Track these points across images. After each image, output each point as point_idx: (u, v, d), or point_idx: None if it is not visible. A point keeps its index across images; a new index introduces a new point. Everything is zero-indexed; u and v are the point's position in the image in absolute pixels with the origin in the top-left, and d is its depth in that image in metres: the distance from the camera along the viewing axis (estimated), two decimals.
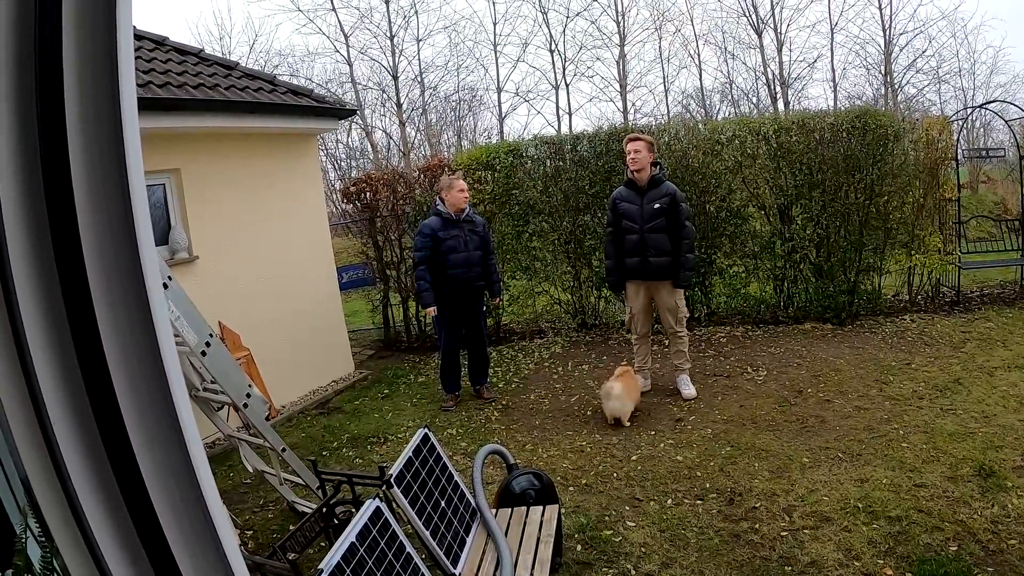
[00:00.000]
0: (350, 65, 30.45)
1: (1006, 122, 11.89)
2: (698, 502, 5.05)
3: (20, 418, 0.98)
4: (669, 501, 5.10)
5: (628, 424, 6.56)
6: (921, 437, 5.70)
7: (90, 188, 0.93)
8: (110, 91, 0.92)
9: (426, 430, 4.04)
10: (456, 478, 4.06)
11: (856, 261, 9.42)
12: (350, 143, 31.77)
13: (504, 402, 7.61)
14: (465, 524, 3.88)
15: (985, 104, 14.62)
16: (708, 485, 5.28)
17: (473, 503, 4.08)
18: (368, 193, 10.29)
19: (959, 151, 10.84)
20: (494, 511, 4.19)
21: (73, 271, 0.93)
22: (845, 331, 8.99)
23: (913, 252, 9.69)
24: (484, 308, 7.78)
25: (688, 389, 7.21)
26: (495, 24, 34.23)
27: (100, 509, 0.99)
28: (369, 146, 31.03)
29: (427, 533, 3.46)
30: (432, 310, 7.47)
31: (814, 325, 9.27)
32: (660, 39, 31.97)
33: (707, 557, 4.34)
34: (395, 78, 30.14)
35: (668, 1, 38.28)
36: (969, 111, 14.68)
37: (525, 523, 4.07)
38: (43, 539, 1.81)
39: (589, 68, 35.43)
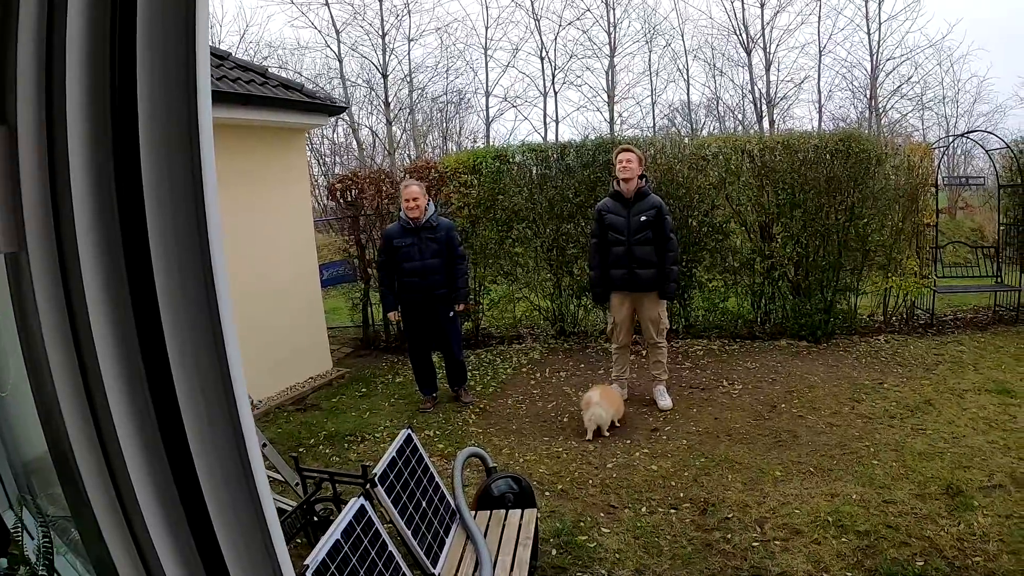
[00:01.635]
0: (340, 61, 30.42)
1: (987, 151, 12.07)
2: (672, 511, 5.11)
3: (76, 415, 1.00)
4: (644, 509, 5.15)
5: (607, 434, 6.61)
6: (891, 455, 5.80)
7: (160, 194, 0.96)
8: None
9: (409, 431, 4.07)
10: (437, 480, 4.10)
11: (833, 281, 9.55)
12: (335, 139, 31.72)
13: (482, 406, 7.64)
14: (445, 525, 3.92)
15: (967, 133, 14.86)
16: (682, 495, 5.35)
17: (453, 505, 4.12)
18: (353, 191, 10.30)
19: (939, 177, 11.01)
20: (473, 513, 4.23)
21: (137, 247, 0.96)
22: (820, 349, 9.11)
23: (890, 274, 9.85)
24: (452, 314, 7.51)
25: (664, 400, 7.28)
26: (487, 28, 34.34)
27: (156, 510, 1.01)
28: (355, 143, 30.98)
29: (408, 533, 3.49)
30: (392, 315, 7.55)
31: (790, 342, 9.40)
32: (650, 52, 32.14)
33: (680, 565, 4.40)
34: (384, 76, 30.13)
35: (660, 15, 38.51)
36: (951, 139, 14.91)
37: (504, 526, 4.10)
38: (44, 532, 1.84)
39: (578, 77, 35.42)
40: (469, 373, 8.60)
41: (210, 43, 8.06)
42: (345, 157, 31.19)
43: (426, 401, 7.71)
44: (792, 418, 6.82)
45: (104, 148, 0.94)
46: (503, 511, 4.29)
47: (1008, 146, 10.98)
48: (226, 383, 1.00)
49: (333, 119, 16.94)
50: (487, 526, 4.13)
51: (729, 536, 4.71)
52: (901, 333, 9.71)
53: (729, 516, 4.97)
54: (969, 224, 17.07)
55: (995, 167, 11.58)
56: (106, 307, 0.96)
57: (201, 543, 1.03)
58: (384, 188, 10.12)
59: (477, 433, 6.91)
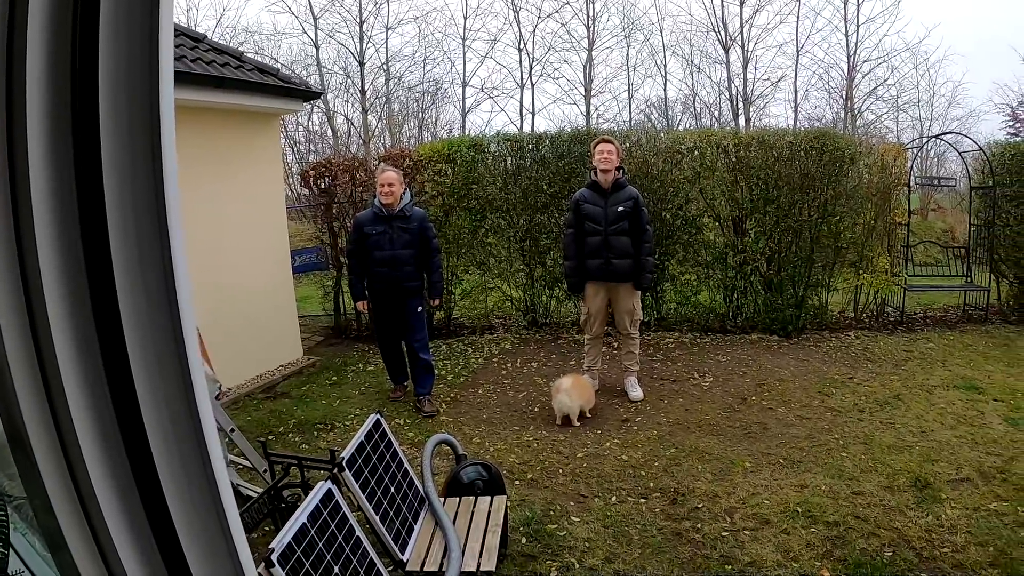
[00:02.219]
0: (316, 48, 30.20)
1: (960, 154, 12.21)
2: (642, 500, 5.09)
3: (35, 412, 0.96)
4: (614, 498, 5.13)
5: (577, 424, 6.58)
6: (860, 448, 5.83)
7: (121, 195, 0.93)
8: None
9: (378, 416, 4.02)
10: (406, 465, 4.05)
11: (805, 276, 9.59)
12: (310, 127, 31.46)
13: (452, 395, 7.59)
14: (414, 511, 3.87)
15: (941, 135, 15.01)
16: (652, 484, 5.33)
17: (422, 491, 4.08)
18: (327, 178, 10.19)
19: (912, 178, 11.11)
20: (442, 500, 4.19)
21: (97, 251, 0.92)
22: (791, 343, 9.17)
23: (861, 271, 9.93)
24: (419, 309, 7.17)
25: (635, 391, 7.28)
26: (465, 19, 34.25)
27: (116, 508, 0.98)
28: (330, 131, 30.77)
29: (376, 518, 3.44)
30: (361, 304, 7.38)
31: (761, 336, 9.44)
32: (628, 47, 32.21)
33: (650, 554, 4.38)
34: (361, 64, 30.00)
35: (639, 10, 38.60)
36: (925, 140, 15.06)
37: (473, 512, 4.07)
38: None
39: (556, 70, 35.48)
40: (441, 363, 8.53)
41: (186, 26, 7.94)
42: (320, 145, 30.96)
43: (396, 390, 7.56)
44: (762, 410, 6.84)
45: (63, 132, 0.90)
46: (472, 498, 4.25)
47: (981, 149, 11.12)
48: (185, 377, 0.97)
49: (308, 105, 16.74)
50: (456, 513, 4.09)
51: (699, 526, 4.69)
52: (871, 329, 9.80)
53: (699, 506, 4.96)
54: (940, 225, 17.26)
55: (967, 169, 11.74)
56: (64, 300, 0.93)
57: (160, 537, 1.00)
58: (358, 176, 10.01)
59: (448, 422, 6.85)
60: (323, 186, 10.26)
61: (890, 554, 4.24)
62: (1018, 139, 19.60)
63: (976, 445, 5.81)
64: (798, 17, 29.46)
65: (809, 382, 7.59)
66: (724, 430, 6.38)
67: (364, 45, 30.13)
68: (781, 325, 9.51)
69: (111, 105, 0.89)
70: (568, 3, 31.09)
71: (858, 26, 28.61)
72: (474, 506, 4.14)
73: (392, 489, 3.75)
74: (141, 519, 0.99)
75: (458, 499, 4.26)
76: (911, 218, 10.86)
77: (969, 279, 10.82)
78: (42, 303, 0.91)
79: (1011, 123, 26.80)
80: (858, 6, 28.43)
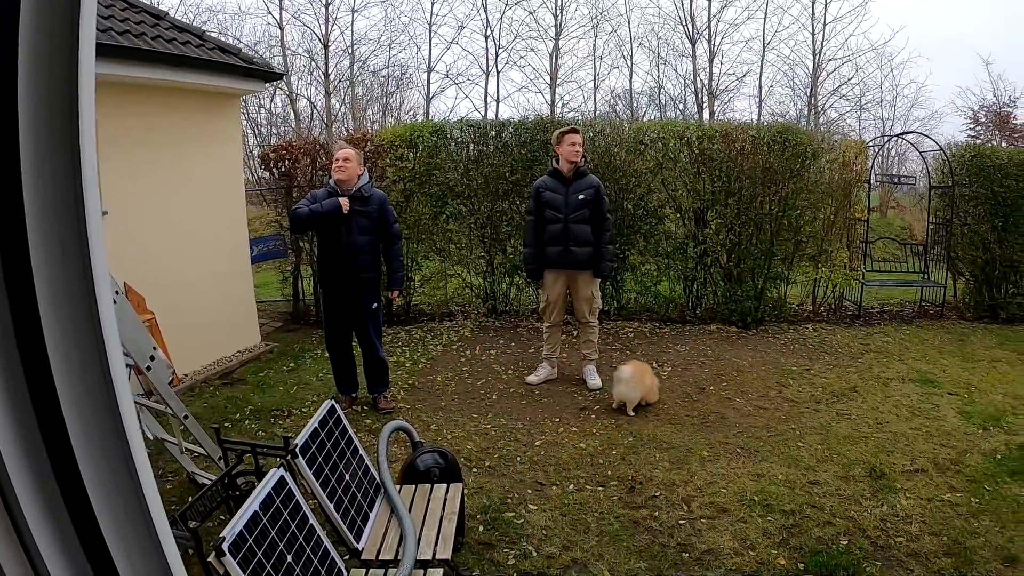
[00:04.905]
0: (281, 29, 29.65)
1: (920, 153, 12.39)
2: (599, 488, 5.05)
3: None
4: (571, 487, 5.09)
5: (632, 414, 6.46)
6: (817, 438, 5.86)
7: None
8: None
9: (333, 402, 3.93)
10: (361, 452, 3.96)
11: (765, 269, 9.65)
12: (273, 109, 30.97)
13: (410, 382, 7.48)
14: (369, 499, 3.79)
15: (903, 134, 15.20)
16: (610, 473, 5.29)
17: (377, 478, 3.99)
18: (287, 161, 10.01)
19: (872, 175, 11.24)
20: (398, 487, 4.11)
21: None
22: (750, 335, 9.22)
23: (820, 265, 10.01)
24: (375, 307, 6.65)
25: (594, 379, 7.24)
26: (432, 3, 33.78)
27: (37, 507, 0.95)
28: (292, 114, 30.31)
29: (331, 506, 3.35)
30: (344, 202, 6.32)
31: (720, 327, 9.49)
32: (595, 37, 32.20)
33: (607, 542, 4.35)
34: (326, 47, 29.54)
35: (607, 1, 38.57)
36: (886, 139, 15.21)
37: (429, 500, 3.99)
38: None
39: (522, 58, 35.36)
40: (399, 350, 8.42)
41: (148, 2, 7.64)
42: (282, 128, 30.50)
43: (345, 400, 6.81)
44: (720, 400, 6.85)
45: None
46: (428, 486, 4.17)
47: (941, 149, 11.29)
48: (105, 372, 0.97)
49: (269, 86, 16.44)
50: (412, 500, 4.01)
51: (656, 514, 4.67)
52: (829, 323, 9.91)
53: (656, 494, 4.93)
54: (899, 222, 17.54)
55: (927, 169, 11.92)
56: None
57: (84, 536, 0.99)
58: (319, 160, 9.85)
59: (405, 409, 6.76)
60: (283, 169, 10.08)
61: (845, 543, 4.25)
62: (978, 141, 20.02)
63: (931, 437, 5.87)
64: (766, 14, 29.66)
65: (767, 373, 7.63)
66: (682, 419, 6.37)
67: (329, 27, 29.72)
68: (740, 316, 9.55)
69: (30, 97, 0.86)
70: None
71: (824, 25, 28.93)
72: (430, 494, 4.07)
73: (347, 476, 3.66)
74: (64, 519, 0.97)
75: (414, 487, 4.18)
76: (870, 215, 11.00)
77: (926, 276, 11.01)
78: None
79: (972, 126, 27.41)
80: (825, 5, 28.75)
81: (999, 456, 5.50)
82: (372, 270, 6.46)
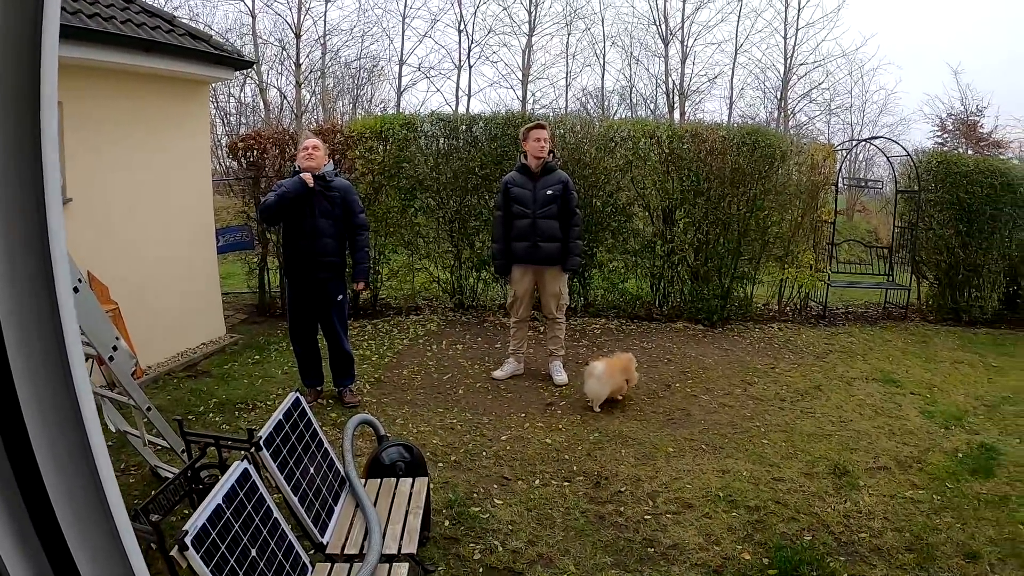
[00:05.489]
0: (253, 17, 29.31)
1: (888, 158, 12.59)
2: (565, 484, 5.04)
3: None
4: (537, 482, 5.07)
5: (598, 410, 6.45)
6: (781, 435, 5.90)
7: None
8: None
9: (297, 394, 3.87)
10: (326, 446, 3.91)
11: (732, 268, 9.70)
12: (242, 99, 30.61)
13: (377, 376, 7.41)
14: (334, 493, 3.74)
15: (871, 139, 15.40)
16: (575, 468, 5.28)
17: (343, 472, 3.94)
18: (256, 151, 9.88)
19: (840, 178, 11.37)
20: (363, 481, 4.06)
21: None
22: (716, 333, 9.26)
23: (786, 266, 10.09)
24: (340, 298, 6.54)
25: (560, 375, 7.24)
26: None
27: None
28: (262, 104, 29.96)
29: (295, 500, 3.31)
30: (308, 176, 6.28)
31: (687, 325, 9.52)
32: (568, 34, 32.19)
33: (573, 536, 4.33)
34: (297, 36, 29.20)
35: None
36: (854, 143, 15.42)
37: (394, 494, 3.94)
38: None
39: (495, 53, 35.25)
40: (366, 343, 8.34)
41: None
42: (251, 118, 30.15)
43: (310, 394, 6.70)
44: (685, 397, 6.87)
45: None
46: (394, 480, 4.12)
47: (909, 155, 11.52)
48: (64, 364, 0.96)
49: (239, 74, 16.24)
50: (377, 495, 3.96)
51: (622, 509, 4.67)
52: (794, 322, 10.00)
53: (622, 490, 4.93)
54: (865, 226, 17.77)
55: (894, 174, 12.11)
56: None
57: (45, 537, 0.98)
58: (288, 150, 9.74)
59: (371, 403, 6.69)
60: (252, 159, 9.95)
61: (809, 538, 4.28)
62: (945, 148, 20.40)
63: (893, 435, 5.95)
64: (739, 17, 29.88)
65: (732, 371, 7.67)
66: (648, 416, 6.38)
67: (302, 16, 29.41)
68: (707, 315, 9.60)
69: None
70: None
71: (797, 30, 29.23)
72: (396, 488, 4.02)
73: (312, 470, 3.61)
74: (22, 514, 0.96)
75: (379, 481, 4.13)
76: (837, 217, 11.13)
77: (891, 278, 11.18)
78: None
79: (939, 133, 27.92)
80: (798, 10, 29.02)
81: (960, 455, 5.58)
82: (335, 255, 6.38)
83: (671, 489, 4.93)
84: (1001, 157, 17.45)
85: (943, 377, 7.66)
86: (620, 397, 6.64)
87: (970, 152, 19.93)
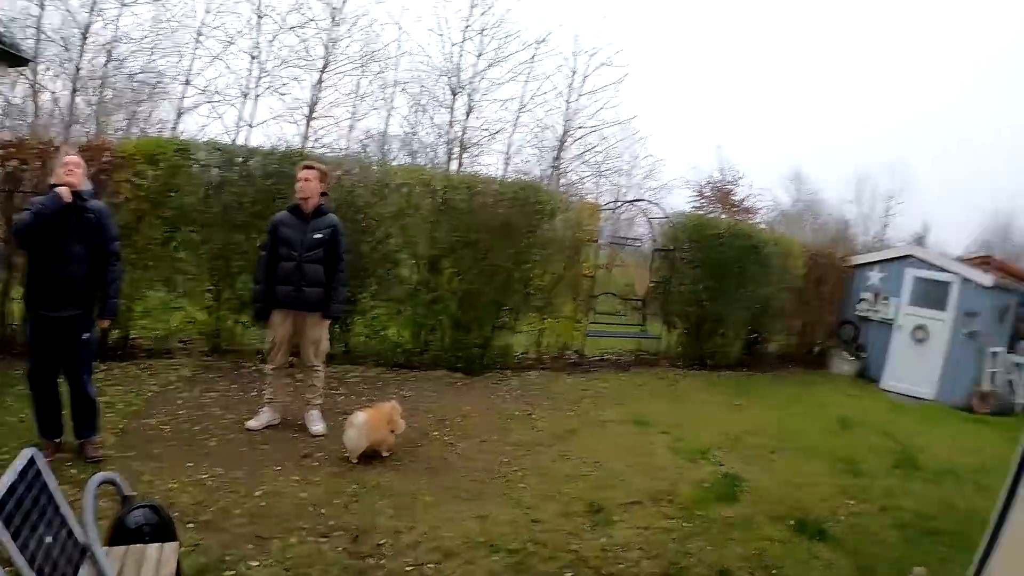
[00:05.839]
0: (42, 7, 26.41)
1: (648, 219, 13.49)
2: (323, 540, 4.83)
3: None
4: (293, 539, 4.81)
5: (355, 462, 6.22)
6: (538, 478, 6.05)
7: None
8: None
9: (34, 451, 3.45)
10: (63, 510, 3.50)
11: (494, 318, 9.88)
12: (11, 99, 27.48)
13: (122, 426, 6.77)
14: (75, 564, 3.35)
15: (635, 200, 16.59)
16: (333, 522, 5.09)
17: (82, 540, 3.55)
18: (15, 162, 8.81)
19: (603, 236, 12.05)
20: (107, 549, 3.68)
21: None
22: (475, 381, 9.41)
23: (546, 316, 10.43)
24: (85, 336, 5.82)
25: (317, 425, 6.99)
26: (207, 12, 31.63)
27: None
28: (33, 107, 27.05)
29: (32, 574, 2.93)
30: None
31: (446, 373, 9.61)
32: (361, 75, 31.90)
33: None
34: (84, 37, 26.73)
35: (382, 41, 38.34)
36: (620, 204, 16.49)
37: (142, 563, 3.61)
38: None
39: (284, 85, 34.17)
40: (112, 388, 7.62)
41: None
42: (19, 121, 27.09)
43: (48, 447, 5.89)
44: (444, 445, 6.89)
45: None
46: (140, 546, 3.77)
47: (667, 217, 12.59)
48: None
49: (13, 72, 14.57)
50: (123, 564, 3.59)
51: (383, 562, 4.56)
52: (552, 370, 10.40)
53: (382, 542, 4.81)
54: (624, 279, 18.82)
55: (653, 233, 12.99)
56: None
57: None
58: (52, 166, 8.75)
59: (115, 457, 6.06)
60: (9, 170, 8.85)
61: (571, 574, 4.37)
62: (701, 212, 22.45)
63: (645, 472, 6.30)
64: (527, 79, 30.96)
65: (491, 418, 7.80)
66: (406, 465, 6.31)
67: (93, 16, 26.98)
68: (467, 363, 9.73)
69: None
70: (314, 20, 30.14)
71: (579, 97, 30.73)
72: (143, 555, 3.67)
73: (48, 538, 3.21)
74: None
75: (125, 548, 3.75)
76: (598, 271, 11.75)
77: (644, 328, 11.94)
78: None
79: (697, 198, 30.76)
80: (584, 80, 30.58)
81: (706, 484, 6.02)
82: (88, 285, 5.71)
83: (432, 538, 4.88)
84: (750, 222, 19.76)
85: (690, 416, 8.22)
86: (386, 453, 6.49)
87: (723, 216, 21.87)
